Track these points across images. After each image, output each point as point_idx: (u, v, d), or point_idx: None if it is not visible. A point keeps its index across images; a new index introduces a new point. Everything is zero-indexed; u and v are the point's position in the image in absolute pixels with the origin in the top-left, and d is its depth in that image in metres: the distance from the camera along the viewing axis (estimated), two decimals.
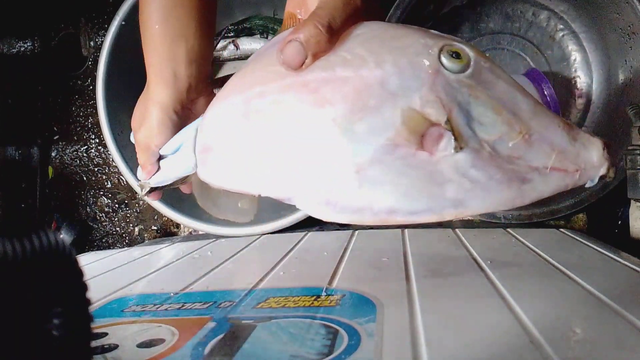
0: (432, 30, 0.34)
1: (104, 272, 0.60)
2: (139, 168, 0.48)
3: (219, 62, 0.97)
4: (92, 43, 1.05)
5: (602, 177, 0.31)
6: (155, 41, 0.45)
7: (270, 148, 0.34)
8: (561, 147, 0.31)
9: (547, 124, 0.31)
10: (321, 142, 0.32)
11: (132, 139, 0.49)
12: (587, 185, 0.32)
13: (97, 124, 1.05)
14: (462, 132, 0.30)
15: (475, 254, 0.55)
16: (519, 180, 0.31)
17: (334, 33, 0.33)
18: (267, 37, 0.94)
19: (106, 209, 1.06)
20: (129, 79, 0.86)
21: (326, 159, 0.32)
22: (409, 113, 0.31)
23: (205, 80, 0.48)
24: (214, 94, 0.47)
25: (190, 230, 1.00)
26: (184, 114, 0.47)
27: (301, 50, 0.32)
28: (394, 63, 0.31)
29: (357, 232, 0.73)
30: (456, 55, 0.31)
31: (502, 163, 0.31)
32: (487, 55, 0.33)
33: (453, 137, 0.30)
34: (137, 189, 0.84)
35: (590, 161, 0.31)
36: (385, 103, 0.31)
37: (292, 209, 0.79)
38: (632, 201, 0.67)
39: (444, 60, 0.31)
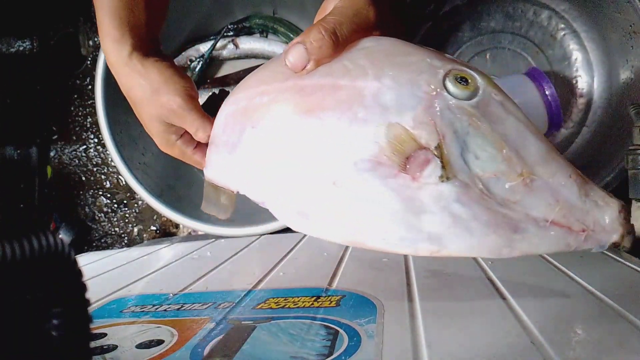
0: (447, 54, 0.32)
1: (103, 272, 0.60)
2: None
3: (218, 61, 0.97)
4: (90, 42, 1.05)
5: (614, 245, 0.28)
6: None
7: (258, 147, 0.34)
8: (568, 201, 0.28)
9: (555, 172, 0.28)
10: (304, 148, 0.31)
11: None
12: (593, 250, 0.28)
13: (96, 124, 1.05)
14: (453, 162, 0.28)
15: None
16: (510, 228, 0.28)
17: (339, 40, 0.32)
18: (266, 36, 0.94)
19: (105, 209, 1.06)
20: None
21: (305, 167, 0.31)
22: (396, 131, 0.29)
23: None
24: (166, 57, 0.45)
25: (189, 230, 1.00)
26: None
27: (304, 54, 0.32)
28: (393, 78, 0.30)
29: None
30: (463, 80, 0.29)
31: (494, 205, 0.28)
32: (502, 89, 0.31)
33: (440, 165, 0.28)
34: (136, 189, 0.84)
35: (601, 223, 0.27)
36: (374, 117, 0.30)
37: None
38: (633, 201, 0.67)
39: (448, 83, 0.29)
